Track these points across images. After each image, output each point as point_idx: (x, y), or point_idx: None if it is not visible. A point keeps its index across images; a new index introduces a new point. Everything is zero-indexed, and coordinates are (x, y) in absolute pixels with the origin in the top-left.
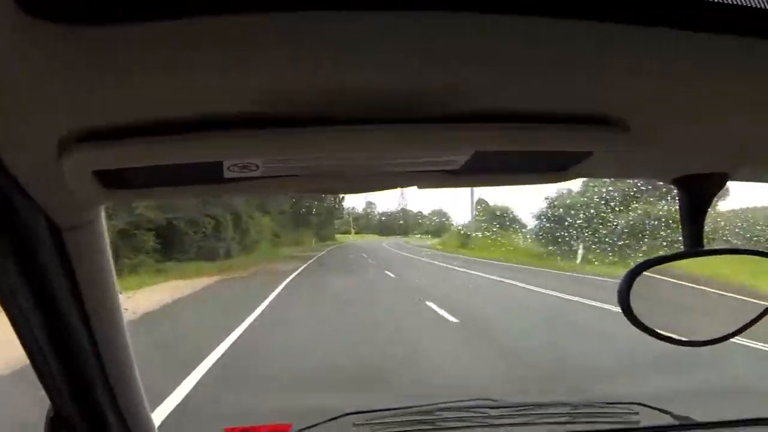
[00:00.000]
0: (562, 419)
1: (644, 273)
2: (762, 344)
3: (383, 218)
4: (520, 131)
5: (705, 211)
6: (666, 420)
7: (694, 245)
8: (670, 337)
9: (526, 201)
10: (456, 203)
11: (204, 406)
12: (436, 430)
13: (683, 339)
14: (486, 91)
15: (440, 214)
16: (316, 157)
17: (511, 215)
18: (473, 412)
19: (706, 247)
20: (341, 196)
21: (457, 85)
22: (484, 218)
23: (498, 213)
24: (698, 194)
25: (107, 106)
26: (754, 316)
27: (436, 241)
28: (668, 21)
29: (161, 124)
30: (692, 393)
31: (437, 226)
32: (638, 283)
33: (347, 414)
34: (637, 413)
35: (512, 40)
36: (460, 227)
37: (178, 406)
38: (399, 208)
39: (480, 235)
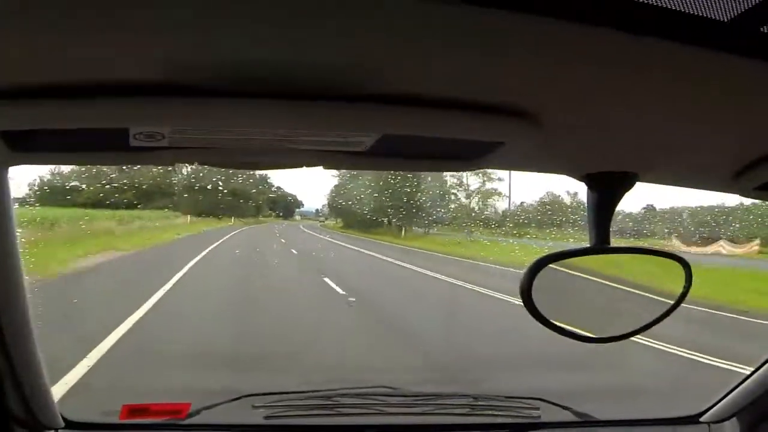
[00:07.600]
0: (462, 411)
1: (549, 266)
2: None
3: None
4: (428, 116)
5: (613, 210)
6: (566, 416)
7: (601, 242)
8: (572, 332)
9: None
10: None
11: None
12: (334, 415)
13: (585, 335)
14: (398, 74)
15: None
16: (222, 129)
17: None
18: (372, 399)
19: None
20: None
21: (368, 65)
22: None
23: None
24: (608, 192)
25: (11, 64)
26: (657, 315)
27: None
28: (585, 17)
29: (67, 87)
30: (593, 390)
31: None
32: (541, 277)
33: (247, 396)
34: (537, 408)
35: (428, 24)
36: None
37: None
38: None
39: None
